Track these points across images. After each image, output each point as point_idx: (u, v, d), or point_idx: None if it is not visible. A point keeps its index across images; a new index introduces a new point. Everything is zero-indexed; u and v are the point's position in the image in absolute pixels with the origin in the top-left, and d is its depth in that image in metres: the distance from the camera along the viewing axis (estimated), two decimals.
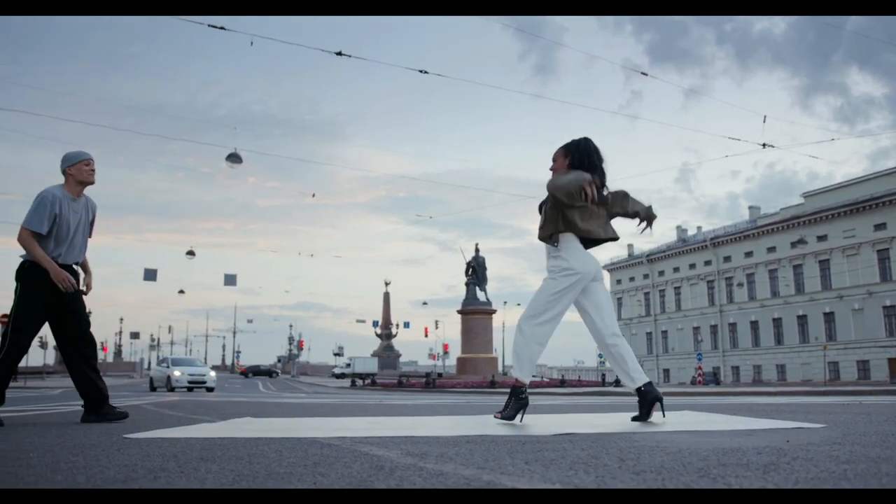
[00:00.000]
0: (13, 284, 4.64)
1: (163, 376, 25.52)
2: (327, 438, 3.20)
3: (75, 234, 4.73)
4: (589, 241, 4.24)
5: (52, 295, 4.62)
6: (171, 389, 24.20)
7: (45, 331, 4.81)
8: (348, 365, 76.38)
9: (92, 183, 4.81)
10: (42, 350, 42.57)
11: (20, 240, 4.55)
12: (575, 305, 4.32)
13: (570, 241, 4.17)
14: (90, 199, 4.90)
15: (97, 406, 4.77)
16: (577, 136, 4.31)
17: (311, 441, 3.07)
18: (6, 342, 4.51)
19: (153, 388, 25.61)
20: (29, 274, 4.58)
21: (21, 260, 4.62)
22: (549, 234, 4.17)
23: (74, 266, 4.80)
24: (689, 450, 2.55)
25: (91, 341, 4.85)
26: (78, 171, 4.72)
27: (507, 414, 4.17)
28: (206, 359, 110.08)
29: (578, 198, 3.96)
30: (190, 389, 24.42)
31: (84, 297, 4.88)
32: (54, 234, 4.62)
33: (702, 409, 6.48)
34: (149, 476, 1.98)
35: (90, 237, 4.96)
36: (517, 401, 4.19)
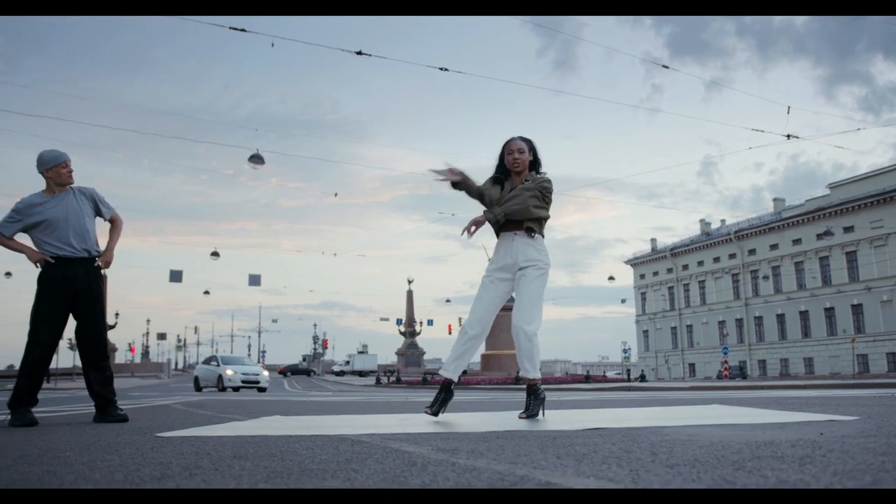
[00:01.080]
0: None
1: (212, 375, 24.03)
2: (357, 435, 3.21)
3: (68, 226, 4.79)
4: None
5: (68, 292, 4.74)
6: (223, 389, 22.92)
7: (73, 332, 4.93)
8: (347, 362, 76.54)
9: (70, 183, 4.89)
10: (71, 352, 43.16)
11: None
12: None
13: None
14: (80, 188, 4.96)
15: (101, 406, 4.89)
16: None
17: (342, 438, 3.09)
18: (27, 341, 4.68)
19: (199, 388, 24.14)
20: (43, 274, 4.75)
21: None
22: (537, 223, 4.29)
23: (91, 251, 4.88)
24: (721, 443, 2.54)
25: (101, 344, 4.94)
26: (56, 174, 4.81)
27: (533, 412, 4.22)
28: None
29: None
30: (236, 389, 22.92)
31: (105, 271, 4.99)
32: (48, 234, 4.75)
33: (730, 402, 6.44)
34: (184, 473, 2.00)
35: (111, 214, 5.07)
36: (537, 398, 4.26)
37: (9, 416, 4.58)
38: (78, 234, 4.82)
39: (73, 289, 4.75)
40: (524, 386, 4.37)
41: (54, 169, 4.79)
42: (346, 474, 1.91)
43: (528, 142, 4.40)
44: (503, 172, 4.41)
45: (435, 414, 4.20)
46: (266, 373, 24.62)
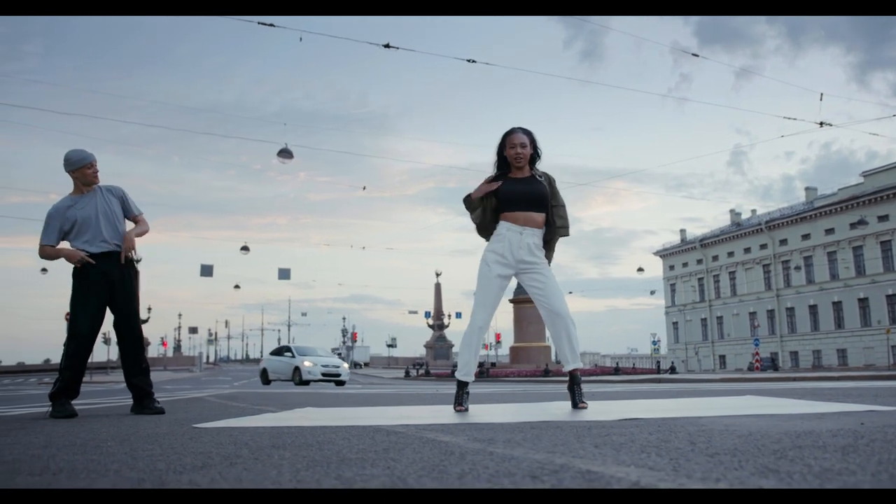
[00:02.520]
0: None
1: (286, 367, 21.95)
2: (392, 426, 3.23)
3: (99, 223, 4.88)
4: None
5: (104, 285, 4.85)
6: (301, 382, 20.72)
7: (109, 326, 5.04)
8: (339, 354, 76.53)
9: (96, 183, 4.98)
10: (105, 346, 43.84)
11: (40, 254, 4.90)
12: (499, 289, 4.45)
13: None
14: (108, 187, 5.05)
15: (139, 398, 4.97)
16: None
17: (377, 429, 3.10)
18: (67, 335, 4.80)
19: (268, 381, 22.21)
20: (78, 271, 4.86)
21: None
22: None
23: (117, 245, 4.95)
24: (759, 432, 2.51)
25: (138, 336, 5.04)
26: (81, 175, 4.91)
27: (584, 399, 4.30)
28: (262, 352, 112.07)
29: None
30: (306, 383, 20.62)
31: (137, 273, 5.08)
32: (82, 235, 4.87)
33: (764, 393, 6.37)
34: (225, 463, 2.02)
35: (135, 213, 5.11)
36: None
37: (50, 408, 4.67)
38: (110, 230, 4.92)
39: (109, 282, 4.85)
40: (552, 378, 4.40)
41: (80, 170, 4.89)
42: (385, 463, 1.92)
43: (529, 134, 4.33)
44: (503, 164, 4.36)
45: (467, 410, 4.24)
46: (346, 365, 22.69)
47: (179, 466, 1.96)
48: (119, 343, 5.02)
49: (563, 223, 4.32)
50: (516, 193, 4.23)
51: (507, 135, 4.32)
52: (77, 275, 4.85)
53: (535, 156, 4.37)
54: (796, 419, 3.14)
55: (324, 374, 21.12)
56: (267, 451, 2.30)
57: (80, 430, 3.39)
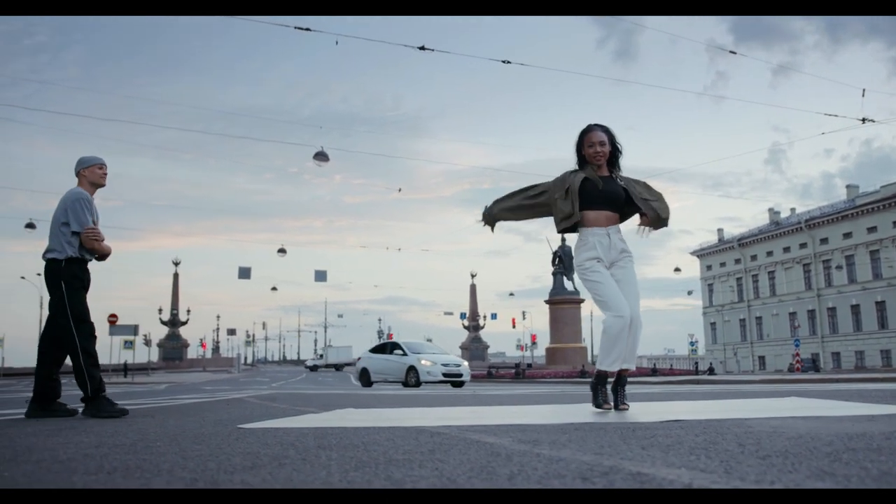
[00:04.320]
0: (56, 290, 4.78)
1: (396, 368, 18.86)
2: (435, 427, 3.24)
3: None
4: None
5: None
6: (416, 384, 17.87)
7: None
8: (321, 356, 75.18)
9: (103, 186, 4.98)
10: (146, 347, 44.60)
11: (87, 245, 4.75)
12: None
13: None
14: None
15: (51, 399, 4.85)
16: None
17: (420, 430, 3.11)
18: (75, 336, 4.72)
19: (369, 383, 19.26)
20: (68, 272, 4.74)
21: (50, 261, 4.75)
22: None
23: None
24: (809, 435, 2.47)
25: None
26: (92, 173, 4.91)
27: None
28: (298, 353, 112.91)
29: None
30: (415, 385, 17.91)
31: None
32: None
33: (808, 395, 6.27)
34: (273, 463, 2.04)
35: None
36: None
37: (91, 408, 4.71)
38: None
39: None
40: (589, 380, 4.33)
41: (90, 168, 4.89)
42: (433, 464, 1.93)
43: (608, 131, 4.22)
44: (582, 163, 4.24)
45: (612, 408, 4.12)
46: (466, 364, 19.93)
47: (230, 467, 1.99)
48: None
49: (665, 215, 4.39)
50: (597, 193, 4.13)
51: (585, 132, 4.22)
52: (73, 276, 4.75)
53: (615, 153, 4.25)
54: (846, 421, 3.09)
55: (445, 375, 18.24)
56: (314, 451, 2.32)
57: (128, 430, 3.44)
